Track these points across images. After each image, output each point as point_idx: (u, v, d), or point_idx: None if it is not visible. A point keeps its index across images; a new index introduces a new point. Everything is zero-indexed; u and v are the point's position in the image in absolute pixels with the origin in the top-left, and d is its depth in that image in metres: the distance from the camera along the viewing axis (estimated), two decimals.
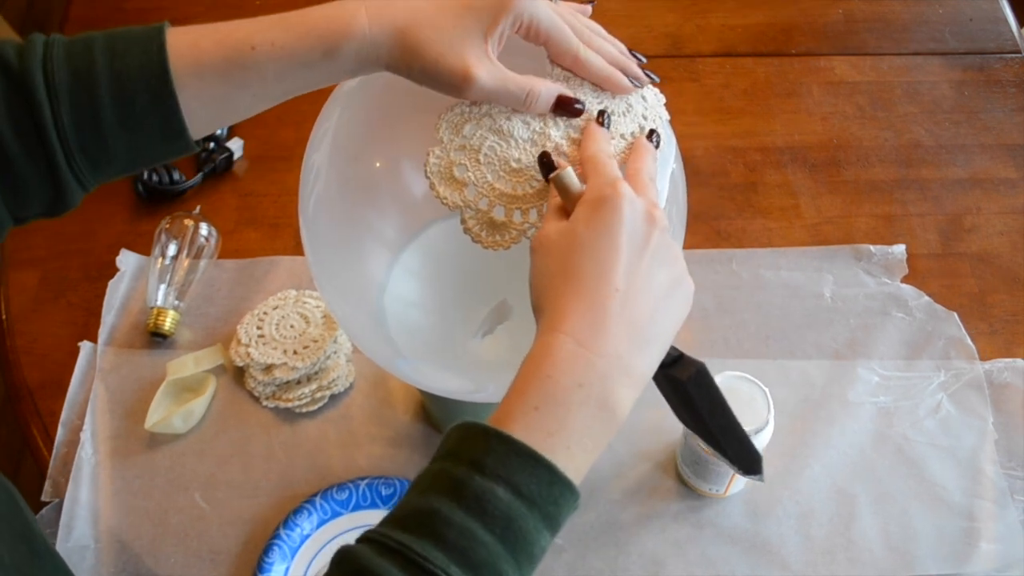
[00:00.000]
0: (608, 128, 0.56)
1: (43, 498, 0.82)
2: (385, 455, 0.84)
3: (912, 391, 0.88)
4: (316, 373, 0.87)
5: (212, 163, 1.02)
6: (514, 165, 0.55)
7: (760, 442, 0.73)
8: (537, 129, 0.55)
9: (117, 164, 0.55)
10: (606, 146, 0.54)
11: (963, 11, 1.20)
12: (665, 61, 1.15)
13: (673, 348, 0.54)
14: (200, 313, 0.93)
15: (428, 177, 0.55)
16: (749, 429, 0.72)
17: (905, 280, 0.95)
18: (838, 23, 1.19)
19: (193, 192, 1.02)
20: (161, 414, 0.85)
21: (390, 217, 0.67)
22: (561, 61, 0.56)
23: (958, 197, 1.03)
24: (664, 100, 0.60)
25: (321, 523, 0.80)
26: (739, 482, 0.80)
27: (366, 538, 0.45)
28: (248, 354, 0.87)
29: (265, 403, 0.87)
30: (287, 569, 0.77)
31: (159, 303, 0.91)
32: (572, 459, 0.46)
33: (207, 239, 0.95)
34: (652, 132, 0.57)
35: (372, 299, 0.69)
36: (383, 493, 0.81)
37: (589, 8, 0.60)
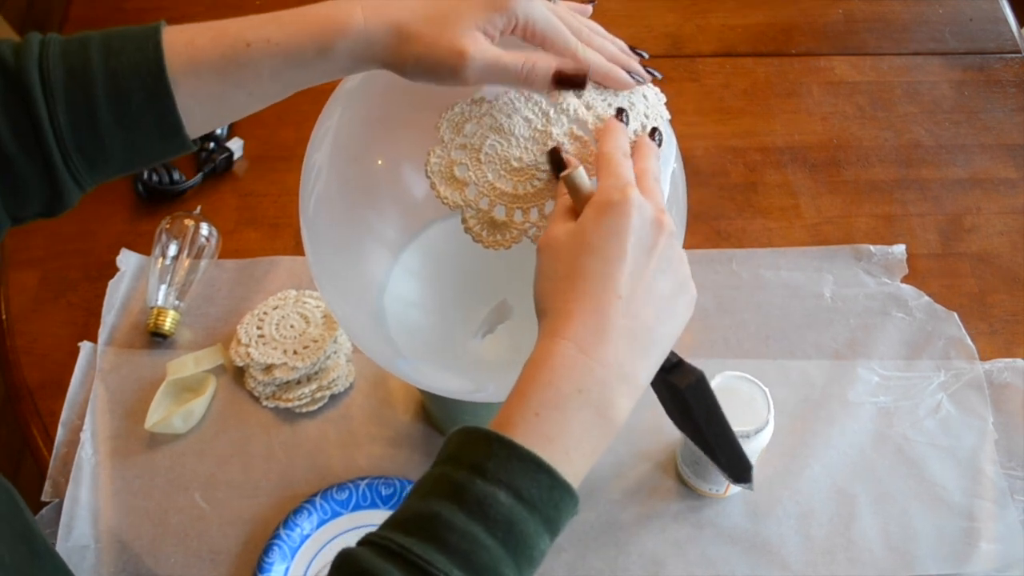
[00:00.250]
0: (628, 125, 0.55)
1: (43, 498, 0.82)
2: (385, 455, 0.84)
3: (912, 391, 0.88)
4: (316, 373, 0.87)
5: (212, 163, 1.02)
6: (515, 164, 0.55)
7: (760, 442, 0.73)
8: (539, 127, 0.55)
9: (114, 163, 0.55)
10: (624, 144, 0.54)
11: (963, 11, 1.20)
12: (665, 61, 1.15)
13: (673, 354, 0.54)
14: (200, 313, 0.93)
15: (429, 177, 0.55)
16: (749, 429, 0.72)
17: (905, 280, 0.95)
18: (838, 23, 1.19)
19: (193, 192, 1.02)
20: (161, 414, 0.85)
21: (391, 217, 0.67)
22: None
23: (958, 197, 1.03)
24: (665, 99, 0.60)
25: (321, 523, 0.80)
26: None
27: (367, 541, 0.45)
28: (248, 354, 0.87)
29: (265, 403, 0.87)
30: (287, 569, 0.77)
31: (159, 303, 0.91)
32: (571, 464, 0.47)
33: (207, 239, 0.95)
34: (654, 130, 0.57)
35: (372, 299, 0.69)
36: (383, 493, 0.81)
37: (589, 8, 0.59)
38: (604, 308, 0.48)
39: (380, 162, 0.65)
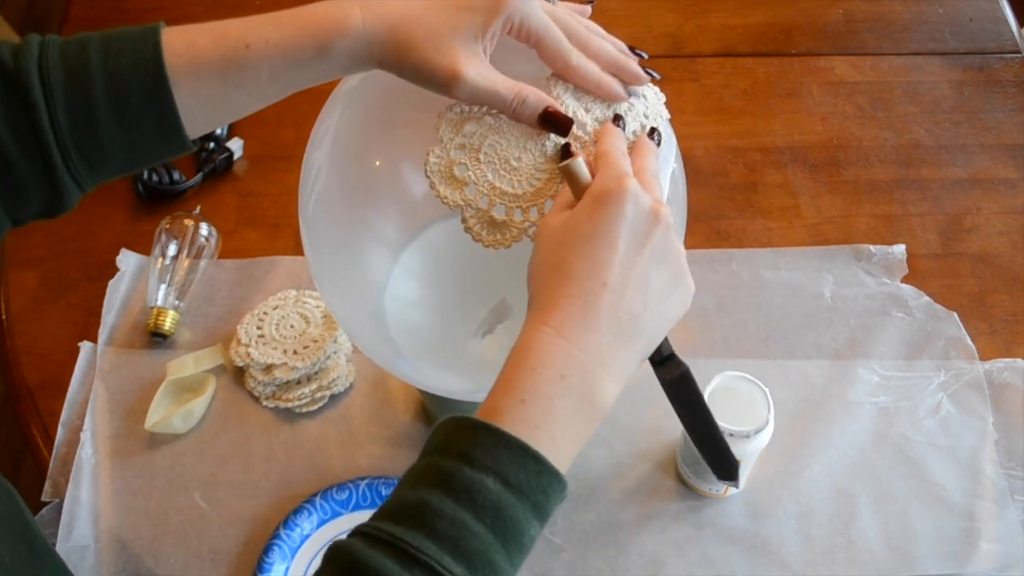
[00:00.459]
0: (625, 131, 0.56)
1: (43, 498, 0.82)
2: (385, 455, 0.84)
3: (912, 391, 0.88)
4: (316, 373, 0.87)
5: (212, 163, 1.02)
6: (514, 163, 0.55)
7: (760, 442, 0.73)
8: None
9: (114, 164, 0.55)
10: (621, 144, 0.54)
11: (963, 11, 1.20)
12: (665, 61, 1.15)
13: (665, 347, 0.54)
14: (200, 313, 0.93)
15: (428, 176, 0.55)
16: (749, 429, 0.72)
17: (905, 280, 0.95)
18: (838, 23, 1.19)
19: (193, 192, 1.02)
20: (161, 414, 0.85)
21: (390, 216, 0.67)
22: (553, 66, 0.56)
23: (958, 197, 1.03)
24: (664, 99, 0.60)
25: (321, 523, 0.80)
26: (739, 482, 0.80)
27: (358, 531, 0.46)
28: (248, 354, 0.87)
29: (265, 403, 0.87)
30: (287, 569, 0.77)
31: (159, 303, 0.91)
32: (557, 449, 0.47)
33: (207, 239, 0.95)
34: (653, 131, 0.57)
35: (372, 299, 0.69)
36: (383, 493, 0.81)
37: (588, 8, 0.59)
38: (589, 296, 0.49)
39: (379, 163, 0.65)
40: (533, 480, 0.46)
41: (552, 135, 0.55)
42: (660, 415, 0.86)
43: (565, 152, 0.54)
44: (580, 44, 0.56)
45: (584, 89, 0.56)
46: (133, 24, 0.54)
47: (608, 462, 0.83)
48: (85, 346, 0.91)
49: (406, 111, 0.62)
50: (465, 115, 0.56)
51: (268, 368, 0.87)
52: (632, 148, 0.56)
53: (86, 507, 0.81)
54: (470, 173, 0.55)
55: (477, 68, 0.52)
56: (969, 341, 0.91)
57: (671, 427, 0.85)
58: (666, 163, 0.58)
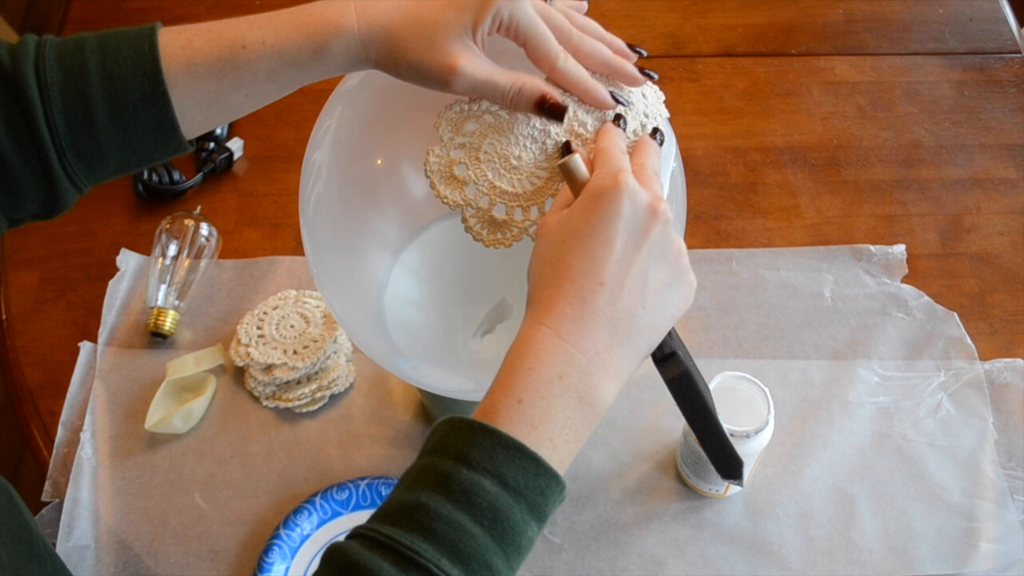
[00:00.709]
0: (625, 130, 0.55)
1: (43, 498, 0.82)
2: (385, 455, 0.84)
3: (912, 391, 0.88)
4: (316, 373, 0.87)
5: (212, 163, 1.02)
6: (514, 162, 0.54)
7: (760, 442, 0.73)
8: (537, 125, 0.55)
9: (111, 164, 0.55)
10: (620, 142, 0.54)
11: (963, 11, 1.20)
12: (665, 61, 1.15)
13: (667, 344, 0.54)
14: (200, 313, 0.93)
15: (428, 176, 0.55)
16: (749, 429, 0.72)
17: (905, 280, 0.95)
18: (838, 23, 1.19)
19: (193, 192, 1.02)
20: (161, 414, 0.85)
21: (391, 216, 0.67)
22: (540, 67, 0.55)
23: (958, 197, 1.03)
24: (664, 97, 0.60)
25: (321, 523, 0.80)
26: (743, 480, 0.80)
27: (355, 533, 0.46)
28: (248, 354, 0.87)
29: (265, 403, 0.87)
30: (287, 569, 0.77)
31: (159, 303, 0.91)
32: (555, 450, 0.47)
33: (207, 239, 0.95)
34: (656, 130, 0.56)
35: (373, 298, 0.69)
36: (383, 493, 0.81)
37: (584, 4, 0.59)
38: (586, 295, 0.49)
39: (380, 161, 0.65)
40: (531, 481, 0.46)
41: (552, 134, 0.55)
42: (660, 415, 0.86)
43: (565, 150, 0.54)
44: (572, 46, 0.55)
45: (572, 96, 0.56)
46: (133, 24, 0.54)
47: (608, 462, 0.83)
48: (85, 346, 0.91)
49: (407, 110, 0.62)
50: (465, 114, 0.55)
51: (268, 368, 0.87)
52: (633, 147, 0.55)
53: (86, 507, 0.81)
54: (470, 172, 0.55)
55: (473, 61, 0.52)
56: (969, 341, 0.91)
57: (671, 427, 0.85)
58: (666, 162, 0.58)
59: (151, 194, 1.01)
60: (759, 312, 0.93)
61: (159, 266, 0.92)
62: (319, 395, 0.86)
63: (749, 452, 0.74)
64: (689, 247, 0.55)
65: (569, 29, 0.55)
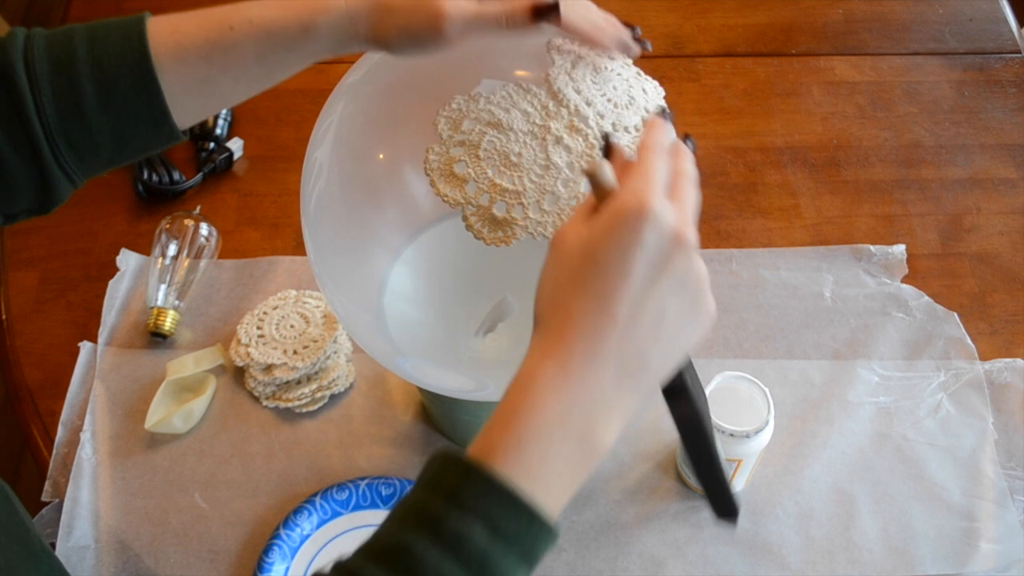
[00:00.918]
0: (670, 123, 0.52)
1: (43, 498, 0.82)
2: (385, 455, 0.84)
3: (912, 391, 0.88)
4: (316, 373, 0.87)
5: (212, 163, 1.02)
6: (514, 160, 0.54)
7: (760, 442, 0.73)
8: (537, 122, 0.54)
9: (103, 154, 0.55)
10: (664, 141, 0.50)
11: (963, 11, 1.20)
12: (665, 61, 1.15)
13: (679, 379, 0.51)
14: (200, 313, 0.93)
15: (428, 174, 0.55)
16: (749, 429, 0.72)
17: (905, 280, 0.95)
18: (838, 23, 1.19)
19: (193, 192, 1.02)
20: (161, 414, 0.85)
21: (392, 215, 0.67)
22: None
23: (958, 197, 1.03)
24: (664, 92, 0.60)
25: (321, 523, 0.80)
26: (738, 482, 0.80)
27: (342, 567, 0.44)
28: (248, 354, 0.87)
29: (265, 403, 0.87)
30: (287, 569, 0.77)
31: (159, 303, 0.90)
32: (551, 497, 0.45)
33: (207, 239, 0.95)
34: (687, 136, 0.52)
35: (373, 297, 0.69)
36: (383, 493, 0.80)
37: None
38: (597, 333, 0.46)
39: (381, 156, 0.65)
40: (523, 529, 0.44)
41: (552, 131, 0.54)
42: (660, 415, 0.86)
43: (606, 148, 0.51)
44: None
45: (581, 37, 0.55)
46: None
47: (608, 462, 0.83)
48: (85, 346, 0.91)
49: (408, 107, 0.62)
50: (464, 111, 0.55)
51: (268, 368, 0.87)
52: (636, 145, 0.55)
53: (86, 507, 0.81)
54: (470, 170, 0.54)
55: (459, 3, 0.52)
56: (969, 341, 0.91)
57: (671, 427, 0.84)
58: None
59: (151, 194, 1.01)
60: (759, 312, 0.93)
61: (159, 266, 0.92)
62: (319, 395, 0.86)
63: (749, 452, 0.74)
64: None
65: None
